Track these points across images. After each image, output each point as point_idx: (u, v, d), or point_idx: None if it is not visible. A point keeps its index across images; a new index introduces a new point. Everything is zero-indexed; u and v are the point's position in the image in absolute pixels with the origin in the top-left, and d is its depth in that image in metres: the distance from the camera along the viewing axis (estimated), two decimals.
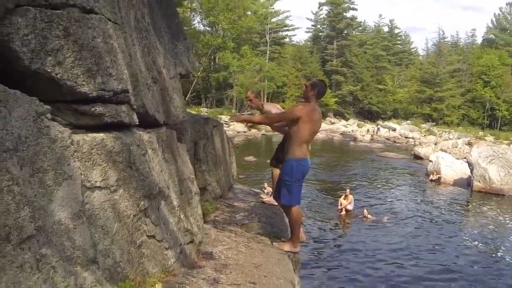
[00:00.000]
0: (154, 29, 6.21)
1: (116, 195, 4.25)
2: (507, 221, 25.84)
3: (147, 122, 5.33)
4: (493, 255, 20.03)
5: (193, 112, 58.81)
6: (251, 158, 39.87)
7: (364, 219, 23.70)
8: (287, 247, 7.86)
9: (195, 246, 6.20)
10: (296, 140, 7.60)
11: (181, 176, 6.15)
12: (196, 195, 6.78)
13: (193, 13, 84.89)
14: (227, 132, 43.36)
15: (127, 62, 4.72)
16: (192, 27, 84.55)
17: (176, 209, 5.65)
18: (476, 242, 21.78)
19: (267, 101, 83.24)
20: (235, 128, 63.36)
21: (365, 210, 24.25)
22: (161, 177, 5.26)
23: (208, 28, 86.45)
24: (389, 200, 29.47)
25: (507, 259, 19.36)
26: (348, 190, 24.97)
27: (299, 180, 7.79)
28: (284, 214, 8.62)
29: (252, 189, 12.09)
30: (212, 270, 5.78)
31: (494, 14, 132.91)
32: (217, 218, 8.82)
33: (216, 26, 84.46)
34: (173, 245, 5.39)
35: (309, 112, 7.67)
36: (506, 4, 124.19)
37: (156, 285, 4.79)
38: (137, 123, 4.85)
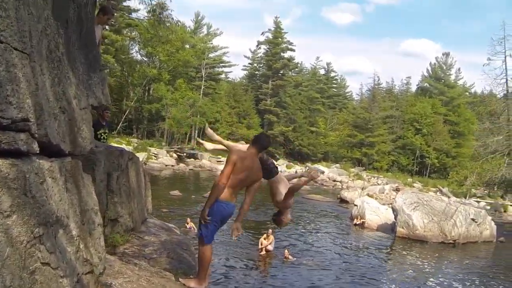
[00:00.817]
0: (68, 59, 6.24)
1: (9, 221, 4.27)
2: (427, 267, 26.45)
3: (51, 151, 5.37)
4: None
5: (123, 142, 58.31)
6: (176, 193, 39.68)
7: (284, 259, 23.79)
8: (192, 283, 7.92)
9: (94, 276, 6.19)
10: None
11: (84, 207, 6.17)
12: (99, 226, 6.78)
13: (132, 42, 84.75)
14: (155, 165, 43.37)
15: (31, 91, 4.78)
16: (130, 56, 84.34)
17: (75, 238, 5.66)
18: (394, 286, 22.23)
19: (198, 136, 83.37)
20: (163, 161, 63.11)
21: (286, 251, 24.34)
22: (61, 206, 5.28)
23: (145, 59, 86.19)
24: (311, 242, 29.63)
25: None
26: (270, 230, 25.06)
27: (217, 221, 7.93)
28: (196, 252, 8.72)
29: (166, 223, 12.06)
30: None
31: (430, 63, 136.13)
32: (126, 250, 8.84)
33: (154, 57, 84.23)
34: (70, 274, 5.39)
35: (242, 158, 7.88)
36: (442, 54, 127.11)
37: None
38: (37, 152, 4.89)
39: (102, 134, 13.94)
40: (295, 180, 10.63)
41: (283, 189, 9.27)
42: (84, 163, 6.83)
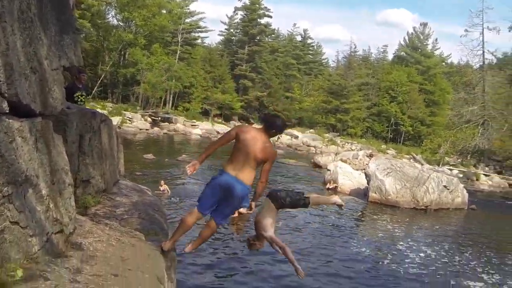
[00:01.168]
0: (40, 20, 6.21)
1: None
2: (398, 232, 26.96)
3: (21, 111, 5.38)
4: (380, 262, 20.83)
5: (98, 106, 57.99)
6: (150, 156, 39.65)
7: None
8: (163, 244, 7.99)
9: (64, 236, 6.24)
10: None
11: (54, 167, 6.20)
12: (70, 186, 6.82)
13: (108, 6, 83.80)
14: (130, 129, 43.18)
15: (2, 51, 4.80)
16: (106, 21, 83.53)
17: (45, 198, 5.70)
18: (364, 249, 22.61)
19: (173, 100, 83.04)
20: (137, 125, 62.88)
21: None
22: (30, 166, 5.32)
23: (121, 24, 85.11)
24: None
25: (393, 267, 20.18)
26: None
27: (211, 187, 8.06)
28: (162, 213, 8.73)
29: (139, 185, 12.08)
30: (77, 261, 5.87)
31: (407, 32, 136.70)
32: (97, 211, 8.87)
33: (130, 22, 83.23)
34: (39, 233, 5.45)
35: (241, 130, 8.00)
36: (420, 24, 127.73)
37: (17, 271, 4.86)
38: (7, 111, 4.92)
39: (79, 97, 13.90)
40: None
41: (269, 226, 9.17)
42: (55, 124, 6.83)
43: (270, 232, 9.10)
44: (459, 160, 73.21)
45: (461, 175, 56.08)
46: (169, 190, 26.71)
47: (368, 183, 35.26)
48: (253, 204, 8.69)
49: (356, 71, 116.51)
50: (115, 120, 50.82)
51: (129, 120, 63.88)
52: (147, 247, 7.55)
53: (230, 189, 7.91)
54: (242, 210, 24.33)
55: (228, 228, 22.93)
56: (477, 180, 59.43)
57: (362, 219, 30.53)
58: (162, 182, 27.12)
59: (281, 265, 17.85)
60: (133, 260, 6.57)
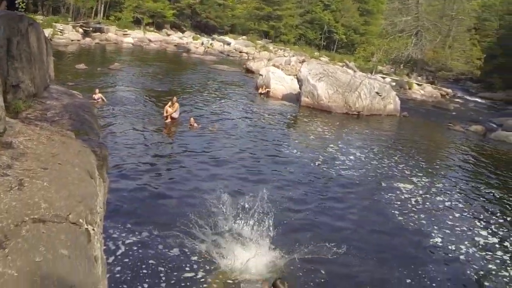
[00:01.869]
0: None
1: None
2: (329, 135, 28.01)
3: None
4: (312, 164, 21.72)
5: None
6: (82, 66, 39.02)
7: (190, 127, 24.26)
8: None
9: None
10: None
11: None
12: None
13: None
14: (61, 41, 42.41)
15: None
16: None
17: None
18: (296, 151, 23.51)
19: (104, 10, 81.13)
20: (68, 36, 61.52)
21: (192, 119, 24.76)
22: None
23: None
24: (217, 110, 30.10)
25: (324, 168, 21.21)
26: (175, 98, 25.23)
27: None
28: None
29: (70, 90, 11.99)
30: (8, 158, 5.97)
31: None
32: (29, 115, 8.85)
33: None
34: None
35: None
36: None
37: None
38: None
39: (20, 3, 13.64)
40: None
41: None
42: None
43: None
44: (392, 69, 74.20)
45: (393, 84, 57.13)
46: (104, 99, 26.54)
47: (300, 88, 35.79)
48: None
49: None
50: (46, 32, 49.50)
51: (60, 32, 62.06)
52: (78, 144, 7.68)
53: None
54: (192, 121, 24.59)
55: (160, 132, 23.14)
56: (409, 89, 60.93)
57: (294, 123, 31.23)
58: (97, 90, 26.94)
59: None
60: (63, 156, 6.72)
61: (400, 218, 16.94)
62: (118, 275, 10.77)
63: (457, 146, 31.35)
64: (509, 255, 15.31)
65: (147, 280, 10.81)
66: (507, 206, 20.25)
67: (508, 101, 60.39)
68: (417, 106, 46.64)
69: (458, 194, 20.80)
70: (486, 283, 13.41)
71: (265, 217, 13.44)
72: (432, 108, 47.65)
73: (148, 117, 25.42)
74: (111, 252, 11.49)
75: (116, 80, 35.42)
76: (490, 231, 17.00)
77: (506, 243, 16.19)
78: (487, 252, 15.28)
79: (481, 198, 20.77)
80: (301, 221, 15.37)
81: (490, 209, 19.42)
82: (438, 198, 19.76)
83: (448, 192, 20.82)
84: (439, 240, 15.56)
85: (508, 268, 14.32)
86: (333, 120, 32.37)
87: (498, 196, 21.47)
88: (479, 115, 46.16)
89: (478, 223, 17.61)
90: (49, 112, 9.25)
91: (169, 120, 24.52)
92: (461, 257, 14.67)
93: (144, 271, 11.11)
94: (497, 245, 15.93)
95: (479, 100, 63.40)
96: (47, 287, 4.12)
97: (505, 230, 17.36)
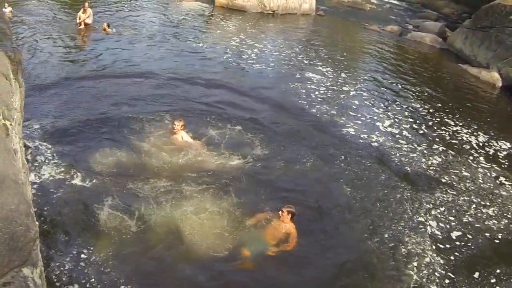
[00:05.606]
0: None
1: None
2: (245, 35, 27.98)
3: None
4: (228, 62, 22.45)
5: None
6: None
7: (103, 32, 24.01)
8: None
9: None
10: None
11: None
12: None
13: None
14: None
15: None
16: None
17: None
18: (212, 49, 24.08)
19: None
20: None
21: (105, 24, 24.47)
22: None
23: None
24: (131, 14, 29.49)
25: (242, 65, 22.10)
26: (86, 3, 24.64)
27: None
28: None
29: None
30: None
31: None
32: None
33: None
34: None
35: None
36: None
37: None
38: None
39: None
40: None
41: None
42: None
43: None
44: None
45: None
46: (12, 11, 25.63)
47: None
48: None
49: None
50: None
51: None
52: None
53: None
54: (105, 25, 24.09)
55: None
56: None
57: (209, 24, 31.13)
58: (7, 4, 25.95)
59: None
60: None
61: (306, 102, 18.49)
62: None
63: (372, 43, 32.05)
64: (410, 135, 17.15)
65: None
66: (410, 96, 22.03)
67: (425, 4, 60.59)
68: (333, 6, 46.62)
69: (371, 85, 22.39)
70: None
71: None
72: (348, 8, 47.66)
73: (61, 24, 24.79)
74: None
75: None
76: (392, 117, 18.68)
77: (406, 125, 18.10)
78: (393, 137, 16.86)
79: (391, 90, 22.34)
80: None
81: (397, 100, 21.01)
82: (345, 88, 21.07)
83: (359, 83, 22.17)
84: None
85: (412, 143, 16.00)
86: (248, 19, 32.51)
87: (407, 88, 23.10)
88: (396, 16, 46.38)
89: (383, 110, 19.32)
90: None
91: (82, 26, 24.02)
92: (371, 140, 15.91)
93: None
94: (399, 129, 17.68)
95: (395, 2, 63.47)
96: None
97: (403, 115, 19.20)
